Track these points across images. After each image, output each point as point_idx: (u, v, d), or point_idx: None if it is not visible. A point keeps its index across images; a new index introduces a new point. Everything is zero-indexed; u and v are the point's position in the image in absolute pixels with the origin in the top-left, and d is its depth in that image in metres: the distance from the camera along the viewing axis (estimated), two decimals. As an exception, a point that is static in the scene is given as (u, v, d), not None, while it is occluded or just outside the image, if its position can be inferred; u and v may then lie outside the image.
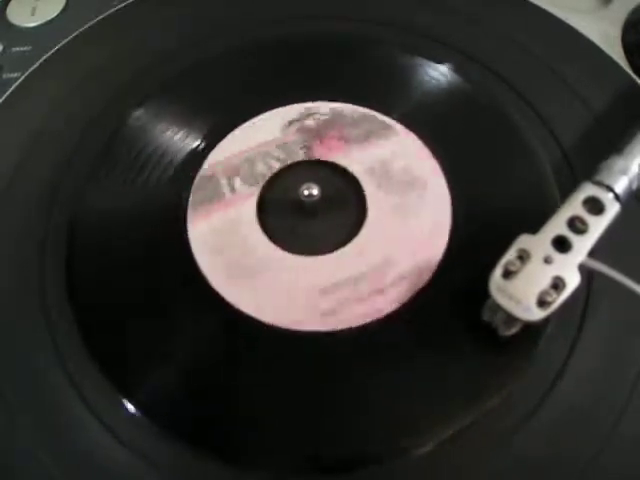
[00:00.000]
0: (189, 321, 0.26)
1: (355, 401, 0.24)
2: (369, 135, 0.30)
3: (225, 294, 0.26)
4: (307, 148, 0.30)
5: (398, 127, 0.30)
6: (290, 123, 0.30)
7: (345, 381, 0.24)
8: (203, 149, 0.30)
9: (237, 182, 0.29)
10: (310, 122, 0.30)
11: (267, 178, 0.29)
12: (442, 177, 0.28)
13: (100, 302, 0.26)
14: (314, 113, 0.31)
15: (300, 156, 0.29)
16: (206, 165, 0.29)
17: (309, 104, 0.31)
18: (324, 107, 0.31)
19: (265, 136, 0.30)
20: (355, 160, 0.29)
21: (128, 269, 0.27)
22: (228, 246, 0.27)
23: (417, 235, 0.27)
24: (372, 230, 0.27)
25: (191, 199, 0.28)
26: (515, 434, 0.23)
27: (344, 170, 0.29)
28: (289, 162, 0.29)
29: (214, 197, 0.28)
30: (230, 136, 0.30)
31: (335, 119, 0.30)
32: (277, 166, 0.29)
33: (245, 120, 0.31)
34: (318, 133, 0.30)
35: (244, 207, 0.28)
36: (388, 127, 0.30)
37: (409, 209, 0.28)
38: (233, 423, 0.24)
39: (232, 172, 0.29)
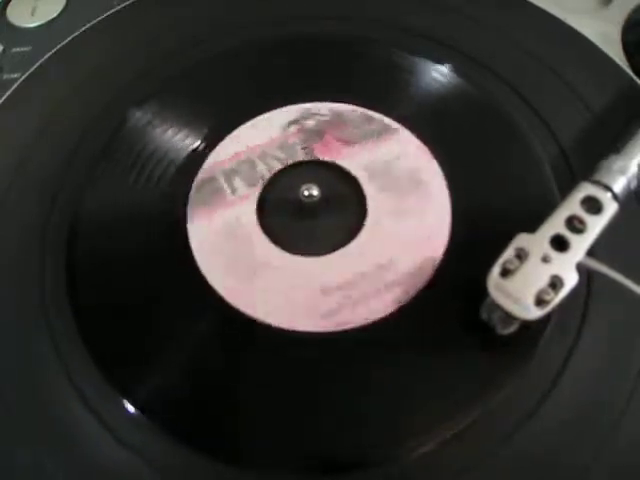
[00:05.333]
0: (189, 321, 0.26)
1: (355, 402, 0.24)
2: (369, 136, 0.30)
3: (225, 295, 0.26)
4: (307, 148, 0.30)
5: (398, 127, 0.30)
6: (290, 124, 0.30)
7: (345, 382, 0.24)
8: (203, 149, 0.30)
9: (237, 182, 0.29)
10: (310, 123, 0.30)
11: (267, 179, 0.29)
12: (442, 177, 0.28)
13: (100, 302, 0.26)
14: (314, 114, 0.31)
15: (301, 156, 0.29)
16: (206, 166, 0.29)
17: (309, 105, 0.31)
18: (324, 108, 0.31)
19: (265, 137, 0.30)
20: (355, 161, 0.29)
21: (128, 269, 0.27)
22: (228, 247, 0.27)
23: (417, 235, 0.27)
24: (372, 231, 0.27)
25: (191, 199, 0.28)
26: (515, 434, 0.23)
27: (344, 170, 0.29)
28: (289, 162, 0.29)
29: (214, 198, 0.29)
30: (230, 137, 0.30)
31: (335, 120, 0.30)
32: (277, 166, 0.29)
33: (245, 121, 0.31)
34: (318, 134, 0.30)
35: (244, 208, 0.28)
36: (388, 128, 0.30)
37: (409, 209, 0.28)
38: (233, 423, 0.24)
39: (232, 173, 0.29)
